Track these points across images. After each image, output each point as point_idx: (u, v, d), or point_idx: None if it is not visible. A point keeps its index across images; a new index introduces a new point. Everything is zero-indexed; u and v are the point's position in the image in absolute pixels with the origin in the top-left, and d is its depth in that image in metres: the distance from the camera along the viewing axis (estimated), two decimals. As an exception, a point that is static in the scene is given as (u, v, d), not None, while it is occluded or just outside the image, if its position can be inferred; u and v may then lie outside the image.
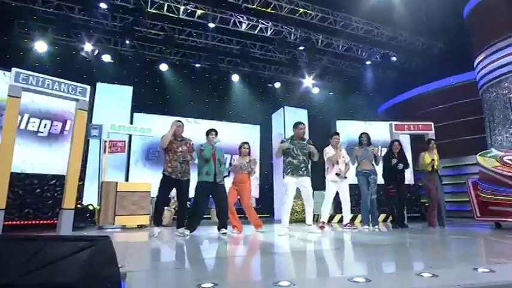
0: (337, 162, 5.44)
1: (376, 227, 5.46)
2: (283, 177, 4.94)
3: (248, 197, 5.40)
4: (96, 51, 8.67)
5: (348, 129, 8.80)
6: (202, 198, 4.78)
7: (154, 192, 7.44)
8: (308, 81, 11.23)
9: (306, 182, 4.84)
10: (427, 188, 5.59)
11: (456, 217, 8.68)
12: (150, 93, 10.42)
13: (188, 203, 7.66)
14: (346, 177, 5.44)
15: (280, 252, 3.07)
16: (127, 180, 8.46)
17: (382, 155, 6.24)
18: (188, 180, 4.68)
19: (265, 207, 10.79)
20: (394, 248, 3.10)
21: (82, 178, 6.42)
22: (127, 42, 9.10)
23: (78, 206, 6.11)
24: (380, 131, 8.26)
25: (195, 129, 10.32)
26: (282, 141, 5.02)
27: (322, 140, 9.65)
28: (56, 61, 8.88)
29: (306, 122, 10.34)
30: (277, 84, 11.49)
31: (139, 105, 10.12)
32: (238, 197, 5.46)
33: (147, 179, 7.25)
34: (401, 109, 11.32)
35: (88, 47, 8.53)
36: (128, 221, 6.05)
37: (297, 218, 8.16)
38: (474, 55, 8.48)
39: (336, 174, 5.35)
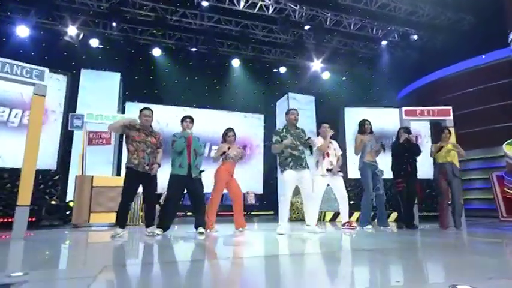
0: (328, 155, 5.06)
1: (389, 228, 5.07)
2: (282, 172, 4.52)
3: (240, 188, 5.17)
4: (81, 35, 8.51)
5: (358, 117, 8.27)
6: (175, 193, 4.56)
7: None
8: (317, 65, 10.72)
9: (307, 175, 4.52)
10: (436, 181, 5.08)
11: (485, 217, 8.07)
12: (143, 81, 10.25)
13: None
14: (340, 171, 5.03)
15: (245, 257, 2.74)
16: (118, 176, 8.32)
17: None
18: (156, 176, 4.40)
19: (269, 204, 10.48)
20: (370, 255, 2.69)
21: (58, 172, 6.27)
22: (114, 24, 8.89)
23: (53, 202, 5.99)
24: (396, 118, 7.69)
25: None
26: (276, 133, 4.64)
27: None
28: (41, 47, 8.80)
29: (313, 110, 9.95)
30: (283, 69, 11.04)
31: (132, 93, 10.00)
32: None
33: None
34: (424, 94, 10.63)
35: (72, 30, 8.37)
36: (104, 219, 5.86)
37: (298, 216, 7.84)
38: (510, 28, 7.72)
39: (328, 170, 4.95)
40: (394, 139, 5.62)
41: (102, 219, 5.86)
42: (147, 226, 4.42)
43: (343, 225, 5.13)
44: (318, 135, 5.38)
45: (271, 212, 10.34)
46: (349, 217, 7.06)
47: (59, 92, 6.50)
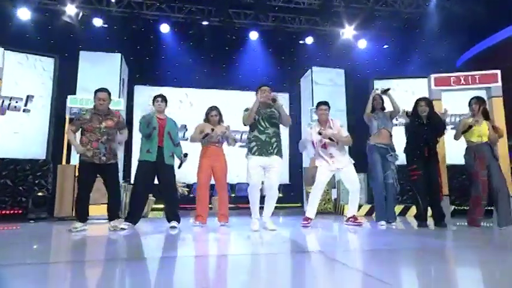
0: (325, 146, 4.59)
1: (393, 224, 4.56)
2: (246, 157, 4.29)
3: (225, 176, 5.02)
4: (80, 15, 8.67)
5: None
6: (142, 182, 4.44)
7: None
8: (348, 33, 9.88)
9: (276, 162, 4.19)
10: (471, 170, 4.33)
11: None
12: (154, 62, 10.26)
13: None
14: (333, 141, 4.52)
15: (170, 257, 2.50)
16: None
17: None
18: (116, 164, 4.33)
19: (297, 195, 10.07)
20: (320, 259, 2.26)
21: (48, 161, 6.46)
22: (113, 0, 8.93)
23: (40, 194, 6.19)
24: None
25: (208, 102, 9.94)
26: (246, 109, 4.33)
27: (361, 106, 8.57)
28: (45, 29, 9.11)
29: (342, 85, 9.25)
30: (309, 40, 10.37)
31: (142, 76, 10.11)
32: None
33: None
34: (495, 57, 9.33)
35: (71, 9, 8.54)
36: (90, 212, 5.93)
37: (326, 207, 7.49)
38: None
39: (319, 133, 4.53)
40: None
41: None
42: (110, 219, 4.35)
43: (347, 220, 4.67)
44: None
45: (299, 204, 9.92)
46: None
47: (46, 76, 6.67)
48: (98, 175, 4.32)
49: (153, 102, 4.68)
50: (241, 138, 9.48)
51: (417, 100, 4.55)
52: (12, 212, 6.01)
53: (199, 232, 4.22)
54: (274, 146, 4.18)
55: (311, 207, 4.65)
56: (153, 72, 10.26)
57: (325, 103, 4.76)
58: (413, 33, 10.28)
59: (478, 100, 4.42)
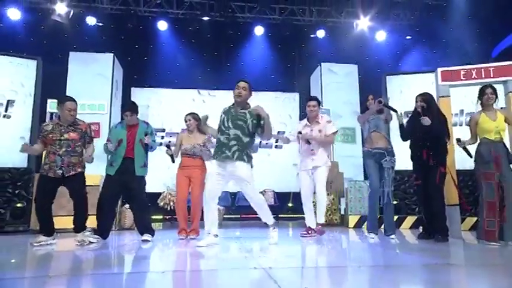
0: (308, 142, 4.82)
1: (392, 236, 4.49)
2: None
3: (200, 188, 5.00)
4: (71, 13, 8.97)
5: (404, 89, 7.33)
6: (106, 195, 4.61)
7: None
8: (363, 24, 9.72)
9: (237, 170, 3.88)
10: (484, 170, 4.10)
11: None
12: (152, 62, 10.44)
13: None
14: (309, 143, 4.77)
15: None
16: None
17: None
18: (80, 174, 4.39)
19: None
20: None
21: (29, 170, 6.67)
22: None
23: (19, 205, 6.41)
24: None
25: (210, 104, 10.03)
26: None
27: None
28: (36, 30, 9.47)
29: (355, 82, 9.10)
30: (321, 33, 10.30)
31: (140, 77, 10.30)
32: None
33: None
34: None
35: (61, 8, 8.84)
36: (69, 223, 6.06)
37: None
38: None
39: (299, 132, 4.79)
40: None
41: (66, 224, 6.02)
42: (76, 232, 4.45)
43: (306, 231, 4.81)
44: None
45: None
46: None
47: (29, 80, 6.92)
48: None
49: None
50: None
51: (418, 96, 4.45)
52: None
53: (171, 247, 4.36)
54: (232, 150, 3.87)
55: (307, 216, 4.86)
56: (151, 73, 10.44)
57: (315, 99, 4.98)
58: (439, 22, 10.02)
59: (494, 90, 4.19)
